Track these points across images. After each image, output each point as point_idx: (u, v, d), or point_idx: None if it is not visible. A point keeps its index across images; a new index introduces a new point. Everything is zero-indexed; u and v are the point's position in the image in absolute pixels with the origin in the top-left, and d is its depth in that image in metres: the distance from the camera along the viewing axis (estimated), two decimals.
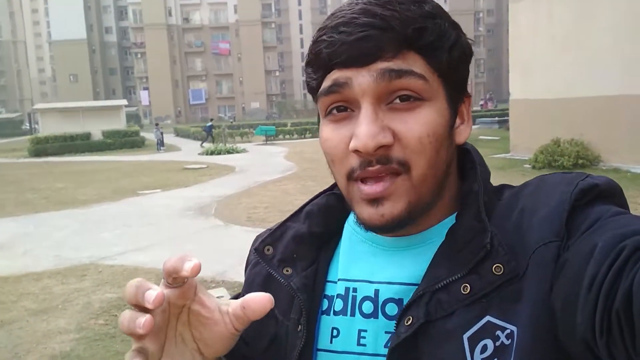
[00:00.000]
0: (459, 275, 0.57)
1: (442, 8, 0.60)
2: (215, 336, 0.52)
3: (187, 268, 0.47)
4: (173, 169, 17.82)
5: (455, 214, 0.63)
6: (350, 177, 0.59)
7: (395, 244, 0.65)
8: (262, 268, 0.71)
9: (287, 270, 0.68)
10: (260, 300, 0.50)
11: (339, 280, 0.67)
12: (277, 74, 77.37)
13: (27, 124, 63.36)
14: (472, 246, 0.58)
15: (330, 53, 0.57)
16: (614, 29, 11.70)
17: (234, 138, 29.97)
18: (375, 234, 0.64)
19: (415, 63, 0.57)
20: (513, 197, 0.61)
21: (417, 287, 0.60)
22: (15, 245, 8.22)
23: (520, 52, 14.80)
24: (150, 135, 32.93)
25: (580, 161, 12.13)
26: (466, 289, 0.56)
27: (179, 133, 40.45)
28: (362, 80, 0.56)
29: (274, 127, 31.08)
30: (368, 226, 0.60)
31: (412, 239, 0.64)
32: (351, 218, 0.69)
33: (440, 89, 0.59)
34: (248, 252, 0.75)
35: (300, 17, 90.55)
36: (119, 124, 31.13)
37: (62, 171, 19.18)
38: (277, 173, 15.22)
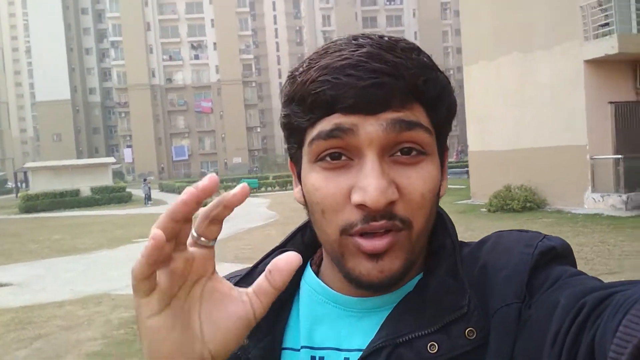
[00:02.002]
0: (425, 331, 0.55)
1: (432, 59, 0.59)
2: (228, 316, 0.48)
3: (234, 192, 0.46)
4: None
5: (422, 273, 0.61)
6: (346, 231, 0.54)
7: (364, 304, 0.60)
8: None
9: (243, 341, 0.56)
10: (288, 258, 0.47)
11: (302, 347, 0.62)
12: (259, 130, 79.56)
13: (11, 183, 64.01)
14: (444, 304, 0.56)
15: (334, 96, 0.53)
16: (553, 86, 13.56)
17: (219, 192, 31.27)
18: (339, 294, 0.61)
19: (421, 115, 0.55)
20: (472, 254, 0.60)
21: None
22: (32, 284, 9.40)
23: (475, 109, 16.66)
24: (136, 191, 34.16)
25: (528, 204, 13.71)
26: (433, 347, 0.54)
27: (164, 188, 41.67)
28: (370, 129, 0.53)
29: (257, 180, 32.59)
30: (364, 282, 0.55)
31: (381, 299, 0.60)
32: (308, 277, 0.65)
33: (435, 143, 0.58)
34: None
35: (279, 76, 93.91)
36: (107, 180, 32.40)
37: (56, 225, 20.29)
38: (261, 221, 16.61)
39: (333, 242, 0.56)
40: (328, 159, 0.55)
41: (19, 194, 34.28)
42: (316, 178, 0.56)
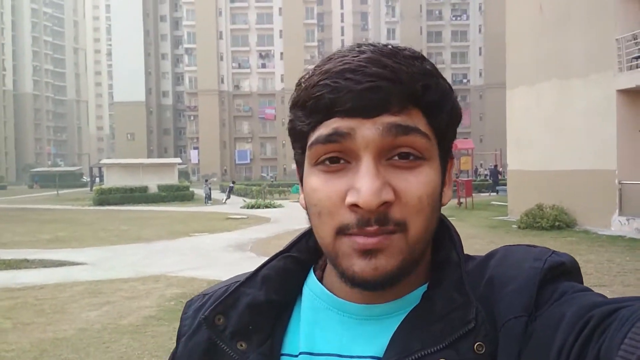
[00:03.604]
0: (435, 348, 0.54)
1: (436, 68, 0.59)
2: None
3: None
4: (218, 218, 20.80)
5: (427, 283, 0.61)
6: (342, 232, 0.55)
7: (367, 312, 0.60)
8: (200, 338, 0.63)
9: (241, 345, 0.61)
10: None
11: (300, 353, 0.61)
12: None
13: (86, 177, 68.61)
14: (452, 319, 0.55)
15: (333, 99, 0.54)
16: (587, 112, 14.21)
17: (273, 195, 33.06)
18: (342, 300, 0.61)
19: (419, 121, 0.56)
20: (478, 268, 0.60)
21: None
22: (102, 264, 11.09)
23: (514, 130, 17.40)
24: (198, 191, 36.42)
25: (557, 223, 14.36)
26: None
27: (224, 189, 43.93)
28: (367, 132, 0.54)
29: None
30: (358, 280, 0.55)
31: (385, 307, 0.60)
32: (311, 282, 0.65)
33: (436, 149, 0.58)
34: (180, 322, 0.69)
35: None
36: (173, 179, 34.78)
37: (125, 217, 22.43)
38: (306, 223, 17.74)
39: (329, 244, 0.56)
40: (327, 162, 0.56)
41: (94, 188, 37.27)
42: (315, 181, 0.57)
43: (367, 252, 0.54)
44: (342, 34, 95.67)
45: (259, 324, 0.62)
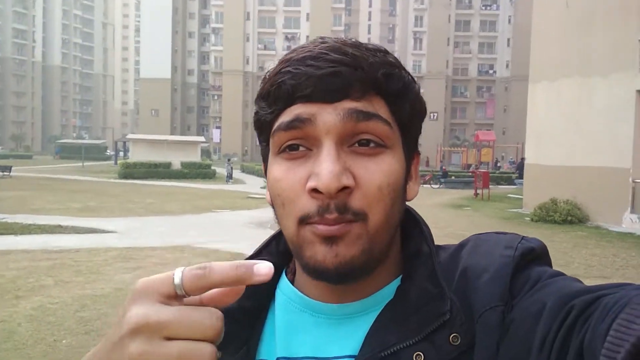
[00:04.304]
0: (410, 341, 0.54)
1: (400, 62, 0.60)
2: None
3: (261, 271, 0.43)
4: (239, 197, 21.45)
5: (400, 277, 0.61)
6: (304, 221, 0.54)
7: (340, 311, 0.60)
8: None
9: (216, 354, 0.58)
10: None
11: (277, 358, 0.61)
12: None
13: (110, 151, 69.96)
14: (426, 311, 0.55)
15: (294, 85, 0.54)
16: (607, 111, 14.42)
17: None
18: (315, 301, 0.60)
19: (380, 108, 0.56)
20: (451, 259, 0.60)
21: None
22: (132, 233, 11.76)
23: (534, 124, 17.66)
24: (219, 169, 37.19)
25: (569, 218, 14.66)
26: (419, 357, 0.53)
27: (244, 169, 44.68)
28: (327, 117, 0.54)
29: None
30: (320, 268, 0.54)
31: (358, 304, 0.59)
32: (284, 286, 0.65)
33: (399, 139, 0.58)
34: None
35: None
36: (195, 157, 35.56)
37: (149, 191, 23.20)
38: None
39: (293, 234, 0.56)
40: (288, 150, 0.56)
41: (118, 162, 38.24)
42: (277, 170, 0.57)
43: (328, 239, 0.54)
44: (370, 19, 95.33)
45: (233, 332, 0.60)
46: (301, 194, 0.54)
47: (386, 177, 0.55)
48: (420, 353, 0.54)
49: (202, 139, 42.43)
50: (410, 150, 0.61)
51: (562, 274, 0.55)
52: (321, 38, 0.58)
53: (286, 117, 0.55)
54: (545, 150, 17.01)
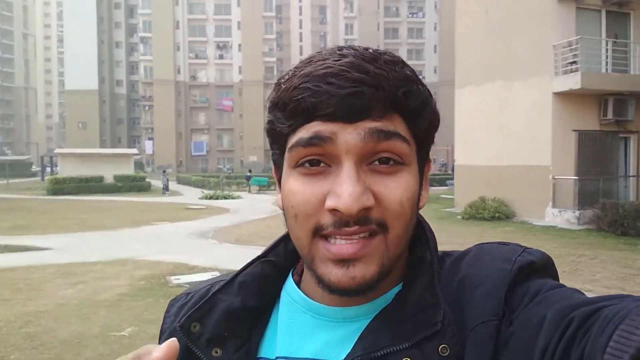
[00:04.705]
0: (401, 346, 0.55)
1: (416, 73, 0.60)
2: None
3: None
4: (178, 209, 21.23)
5: (401, 283, 0.61)
6: (317, 233, 0.55)
7: (342, 314, 0.60)
8: (179, 341, 0.56)
9: (216, 352, 0.62)
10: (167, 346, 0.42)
11: (277, 358, 0.62)
12: None
13: (36, 167, 66.99)
14: (420, 319, 0.56)
15: (314, 103, 0.54)
16: (527, 113, 15.37)
17: (231, 187, 33.52)
18: (317, 303, 0.61)
19: (400, 126, 0.56)
20: (453, 266, 0.61)
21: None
22: (69, 249, 11.51)
23: (462, 127, 18.56)
24: (154, 182, 36.50)
25: (497, 214, 15.54)
26: None
27: (180, 181, 43.98)
28: (348, 137, 0.54)
29: (267, 178, 34.65)
30: (334, 288, 0.55)
31: (360, 309, 0.60)
32: (289, 287, 0.66)
33: (415, 154, 0.59)
34: (163, 320, 0.70)
35: None
36: (129, 169, 34.73)
37: (82, 206, 22.53)
38: (264, 214, 18.65)
39: (305, 246, 0.57)
40: (307, 165, 0.56)
41: (47, 177, 36.76)
42: (293, 183, 0.57)
43: (343, 262, 0.54)
44: (301, 27, 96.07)
45: (235, 330, 0.62)
46: (317, 209, 0.55)
47: (405, 193, 0.56)
48: (408, 358, 0.54)
49: (135, 151, 41.46)
50: (423, 161, 0.62)
51: (562, 286, 0.55)
52: (339, 49, 0.58)
53: (305, 133, 0.55)
54: (473, 151, 17.91)
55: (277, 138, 0.60)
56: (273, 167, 0.65)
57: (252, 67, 75.57)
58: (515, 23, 15.82)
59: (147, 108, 78.86)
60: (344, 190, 0.52)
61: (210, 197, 26.20)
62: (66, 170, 33.15)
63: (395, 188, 0.55)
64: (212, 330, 0.62)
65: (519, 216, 15.69)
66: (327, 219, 0.54)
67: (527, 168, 15.38)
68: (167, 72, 75.09)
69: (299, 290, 0.65)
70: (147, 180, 35.25)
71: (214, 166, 75.46)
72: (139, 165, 63.15)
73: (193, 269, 9.16)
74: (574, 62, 14.30)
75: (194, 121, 78.60)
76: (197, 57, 77.51)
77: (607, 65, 14.82)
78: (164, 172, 32.74)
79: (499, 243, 0.62)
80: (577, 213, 13.98)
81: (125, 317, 6.36)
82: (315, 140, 0.55)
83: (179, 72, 76.72)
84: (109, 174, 32.84)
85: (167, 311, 0.70)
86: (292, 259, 0.69)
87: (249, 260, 0.69)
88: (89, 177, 31.80)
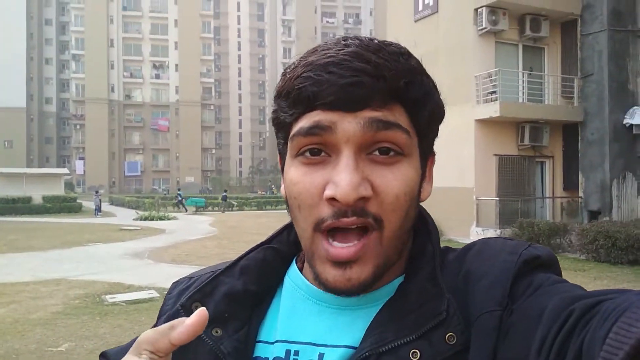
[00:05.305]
0: (408, 339, 0.55)
1: (422, 64, 0.59)
2: None
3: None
4: (111, 230, 20.90)
5: (403, 275, 0.62)
6: (318, 227, 0.56)
7: (344, 302, 0.61)
8: None
9: (216, 332, 0.62)
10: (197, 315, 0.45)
11: (276, 341, 0.62)
12: (214, 151, 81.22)
13: None
14: (424, 310, 0.56)
15: (315, 92, 0.54)
16: (453, 137, 16.36)
17: (166, 208, 33.15)
18: (319, 290, 0.62)
19: (400, 117, 0.56)
20: (457, 260, 0.61)
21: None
22: None
23: None
24: (86, 202, 35.55)
25: None
26: (415, 355, 0.54)
27: (114, 202, 42.98)
28: (347, 126, 0.54)
29: (204, 199, 34.53)
30: (330, 288, 0.57)
31: (362, 298, 0.60)
32: (292, 273, 0.66)
33: (416, 145, 0.58)
34: (164, 301, 0.71)
35: (240, 100, 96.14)
36: (59, 190, 33.76)
37: (9, 227, 21.76)
38: (200, 235, 18.71)
39: (307, 239, 0.58)
40: (307, 154, 0.57)
41: None
42: (295, 173, 0.57)
43: (341, 263, 0.55)
44: (239, 49, 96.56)
45: (236, 312, 0.63)
46: (318, 199, 0.56)
47: (403, 186, 0.56)
48: (417, 350, 0.55)
49: (65, 170, 40.33)
50: (426, 153, 0.63)
51: (565, 281, 0.55)
52: (344, 39, 0.58)
53: (306, 122, 0.56)
54: None
55: (280, 127, 0.61)
56: (278, 157, 0.66)
57: (189, 88, 75.08)
58: (440, 55, 16.89)
59: (78, 127, 76.58)
60: (342, 179, 0.53)
61: (146, 218, 25.89)
62: None
63: (392, 180, 0.56)
64: (213, 311, 0.62)
65: (446, 235, 16.54)
66: (326, 211, 0.55)
67: (453, 190, 16.31)
68: (101, 91, 73.41)
69: (302, 276, 0.66)
70: (78, 201, 34.30)
71: (149, 187, 73.91)
72: (69, 185, 61.11)
73: (129, 288, 9.23)
74: (494, 92, 15.44)
75: (128, 141, 76.94)
76: (132, 76, 76.26)
77: (523, 95, 16.08)
78: (97, 192, 31.99)
79: (504, 238, 0.63)
80: (498, 231, 14.95)
81: (61, 333, 6.45)
82: (316, 130, 0.55)
83: (112, 90, 75.15)
84: (37, 194, 31.77)
85: (169, 293, 0.71)
86: (294, 247, 0.70)
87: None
88: (16, 198, 30.66)
